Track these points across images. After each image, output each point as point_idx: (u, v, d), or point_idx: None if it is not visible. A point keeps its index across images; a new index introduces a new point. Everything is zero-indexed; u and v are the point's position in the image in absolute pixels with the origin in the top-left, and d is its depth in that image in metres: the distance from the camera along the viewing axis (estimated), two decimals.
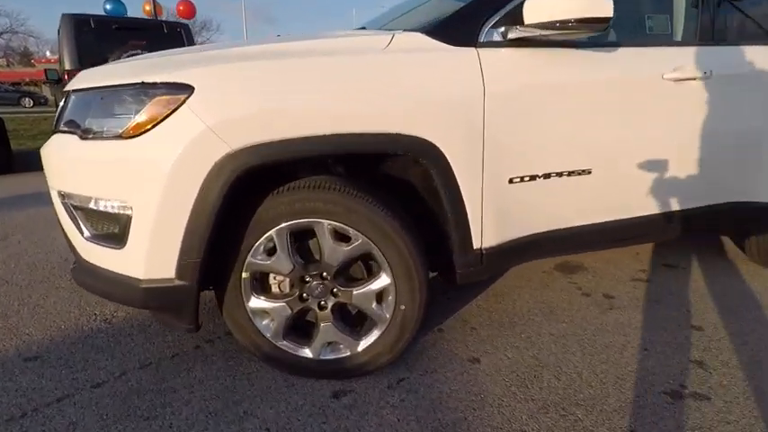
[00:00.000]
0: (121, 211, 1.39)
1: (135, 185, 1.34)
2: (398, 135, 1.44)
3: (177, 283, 1.45)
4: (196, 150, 1.31)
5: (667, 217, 2.03)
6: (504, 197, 1.68)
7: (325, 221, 1.50)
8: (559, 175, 1.74)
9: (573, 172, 1.76)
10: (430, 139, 1.48)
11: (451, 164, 1.53)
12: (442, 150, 1.50)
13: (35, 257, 2.93)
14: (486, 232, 1.70)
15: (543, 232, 1.80)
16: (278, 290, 1.67)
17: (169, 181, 1.31)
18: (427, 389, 1.66)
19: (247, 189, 1.47)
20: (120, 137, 1.34)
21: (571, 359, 1.83)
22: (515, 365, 1.80)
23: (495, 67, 1.57)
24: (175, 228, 1.37)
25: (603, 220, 1.87)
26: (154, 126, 1.31)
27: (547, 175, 1.73)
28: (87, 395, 1.64)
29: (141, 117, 1.32)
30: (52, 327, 2.09)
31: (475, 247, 1.70)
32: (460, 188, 1.58)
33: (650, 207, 1.98)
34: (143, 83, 1.36)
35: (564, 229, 1.82)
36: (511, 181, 1.67)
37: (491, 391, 1.65)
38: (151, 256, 1.40)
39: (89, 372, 1.77)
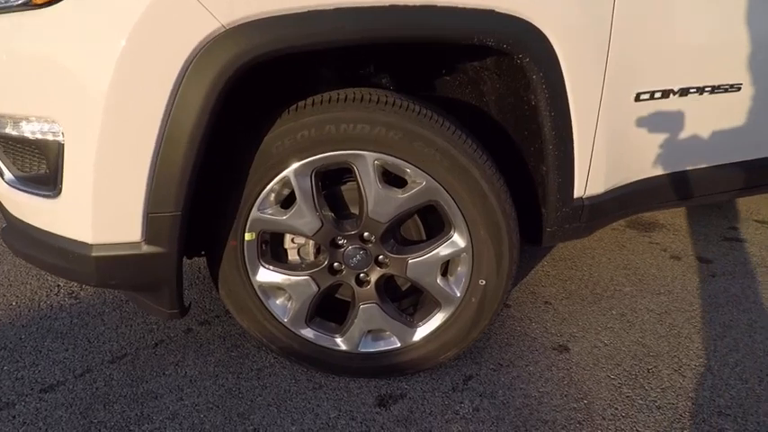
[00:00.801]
0: (48, 137, 0.87)
1: (60, 90, 0.81)
2: (492, 13, 0.89)
3: (147, 249, 0.95)
4: (162, 25, 0.77)
5: None
6: (627, 121, 1.15)
7: (372, 154, 0.98)
8: (700, 91, 1.21)
9: (717, 87, 1.22)
10: (538, 25, 0.94)
11: (563, 66, 1.00)
12: (553, 44, 0.96)
13: None
14: (594, 174, 1.18)
15: (667, 174, 1.29)
16: (298, 257, 1.17)
17: (117, 81, 0.78)
18: (507, 391, 1.21)
19: (247, 102, 0.94)
20: (28, 4, 0.80)
21: (690, 346, 1.37)
22: (617, 355, 1.33)
23: None
24: (136, 161, 0.86)
25: (750, 158, 1.35)
26: None
27: (684, 91, 1.19)
28: (33, 404, 1.18)
29: None
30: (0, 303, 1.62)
31: (575, 196, 1.19)
32: (570, 105, 1.05)
33: None
34: None
35: (697, 169, 1.30)
36: (638, 98, 1.14)
37: (595, 394, 1.20)
38: (101, 208, 0.89)
39: (40, 368, 1.30)
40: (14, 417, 1.14)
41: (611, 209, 1.28)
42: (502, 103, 1.20)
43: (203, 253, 1.16)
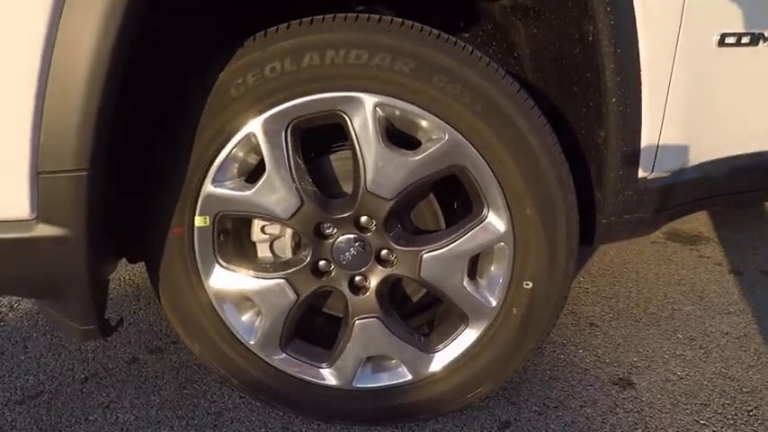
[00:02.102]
0: None
1: None
2: None
3: (41, 230, 0.64)
4: None
5: None
6: (709, 73, 0.87)
7: (372, 97, 0.69)
8: None
9: None
10: None
11: None
12: None
13: None
14: (665, 146, 0.89)
15: (761, 152, 0.99)
16: (270, 254, 0.86)
17: None
18: None
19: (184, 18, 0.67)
20: None
21: None
22: (700, 392, 1.00)
23: None
24: (12, 92, 0.57)
25: None
26: None
27: None
28: None
29: None
30: None
31: (640, 176, 0.90)
32: (640, 40, 0.77)
33: None
34: None
35: None
36: (722, 41, 0.87)
37: None
38: None
39: None
40: None
41: (686, 195, 0.98)
42: (541, 53, 0.92)
43: (134, 254, 0.85)
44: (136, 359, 1.12)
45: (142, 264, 0.87)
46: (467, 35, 1.04)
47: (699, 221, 2.09)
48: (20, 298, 1.42)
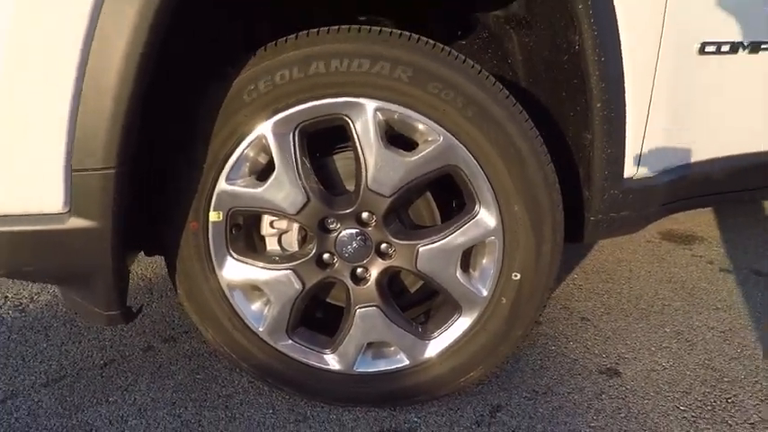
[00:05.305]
0: None
1: None
2: None
3: (73, 223, 0.71)
4: None
5: None
6: (690, 79, 0.93)
7: (373, 102, 0.75)
8: None
9: None
10: None
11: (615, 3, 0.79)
12: None
13: None
14: (649, 148, 0.95)
15: (738, 155, 1.05)
16: (278, 247, 0.93)
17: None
18: (548, 426, 0.92)
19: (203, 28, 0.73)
20: None
21: None
22: (683, 381, 1.06)
23: None
24: (49, 98, 0.64)
25: None
26: None
27: (756, 46, 0.98)
28: None
29: None
30: None
31: (626, 175, 0.96)
32: (623, 48, 0.83)
33: None
34: None
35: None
36: (703, 49, 0.92)
37: (664, 428, 0.92)
38: (4, 164, 0.67)
39: None
40: None
41: (670, 195, 1.04)
42: (532, 61, 0.98)
43: (154, 247, 0.92)
44: (150, 347, 1.19)
45: (153, 259, 0.93)
46: (464, 42, 1.11)
47: (693, 222, 2.14)
48: (39, 290, 1.50)
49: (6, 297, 1.46)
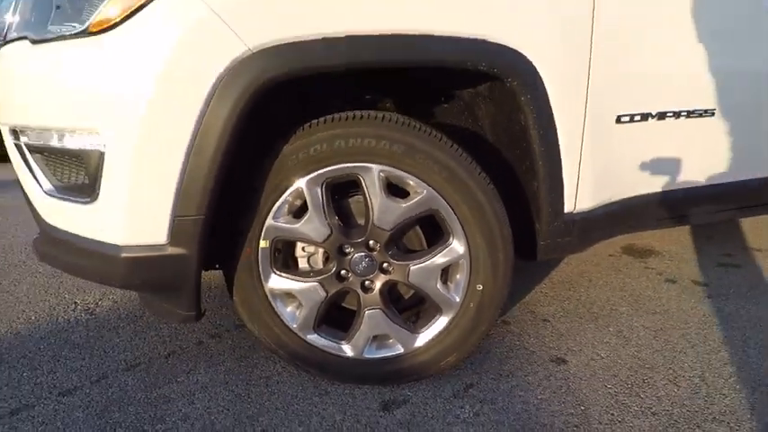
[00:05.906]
0: (89, 147, 0.98)
1: (106, 105, 0.93)
2: (484, 42, 1.02)
3: (171, 251, 1.03)
4: (197, 49, 0.90)
5: None
6: (610, 142, 1.26)
7: (377, 167, 1.08)
8: (676, 115, 1.33)
9: (692, 113, 1.34)
10: (523, 52, 1.06)
11: (548, 89, 1.12)
12: (538, 69, 1.09)
13: (14, 239, 2.53)
14: (582, 191, 1.27)
15: (653, 193, 1.38)
16: (307, 265, 1.26)
17: (157, 97, 0.90)
18: (507, 398, 1.24)
19: (261, 118, 1.06)
20: (85, 33, 0.93)
21: (685, 359, 1.41)
22: (614, 367, 1.37)
23: None
24: (167, 169, 0.96)
25: (728, 180, 1.45)
26: (133, 13, 0.90)
27: (662, 115, 1.31)
28: (52, 406, 1.23)
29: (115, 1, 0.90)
30: (20, 318, 1.68)
31: (566, 211, 1.28)
32: (557, 126, 1.16)
33: None
34: None
35: (678, 190, 1.40)
36: (619, 120, 1.26)
37: (592, 401, 1.23)
38: (133, 212, 0.99)
39: (58, 375, 1.35)
40: (34, 417, 1.19)
41: (602, 224, 1.36)
42: (495, 125, 1.31)
43: (218, 266, 1.24)
44: (201, 342, 1.51)
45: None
46: (446, 106, 1.44)
47: (652, 238, 2.47)
48: (101, 296, 1.82)
49: (76, 303, 1.78)
